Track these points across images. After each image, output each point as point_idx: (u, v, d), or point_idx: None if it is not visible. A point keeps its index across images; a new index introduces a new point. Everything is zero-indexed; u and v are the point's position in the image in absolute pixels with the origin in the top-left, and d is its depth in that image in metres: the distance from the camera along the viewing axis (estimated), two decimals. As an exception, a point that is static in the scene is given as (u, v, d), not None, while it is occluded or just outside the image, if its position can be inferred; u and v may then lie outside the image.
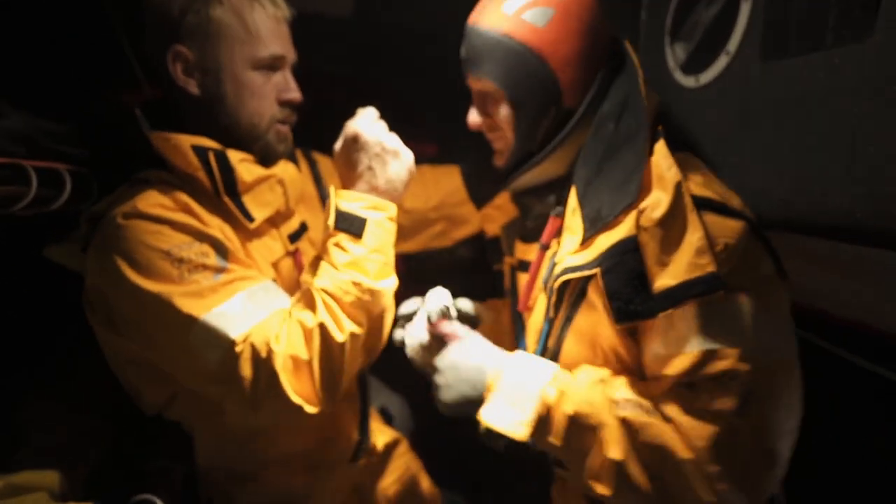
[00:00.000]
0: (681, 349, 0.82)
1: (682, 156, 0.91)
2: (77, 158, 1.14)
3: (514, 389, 0.93)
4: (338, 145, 1.12)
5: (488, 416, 0.93)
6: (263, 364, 0.96)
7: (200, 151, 1.05)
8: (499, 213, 1.32)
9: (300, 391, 0.98)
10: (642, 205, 0.85)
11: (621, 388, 0.89)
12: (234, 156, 1.08)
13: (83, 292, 1.05)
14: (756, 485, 0.81)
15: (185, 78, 1.08)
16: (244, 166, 1.09)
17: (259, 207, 1.12)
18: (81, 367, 1.21)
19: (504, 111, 1.02)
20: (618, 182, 0.91)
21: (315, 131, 1.30)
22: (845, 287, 1.05)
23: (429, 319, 1.11)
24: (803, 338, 0.94)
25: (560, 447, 0.89)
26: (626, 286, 0.85)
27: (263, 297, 1.02)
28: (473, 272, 1.70)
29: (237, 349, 0.96)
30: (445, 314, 1.12)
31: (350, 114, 1.17)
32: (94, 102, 1.42)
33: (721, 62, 1.01)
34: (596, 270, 0.89)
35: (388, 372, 1.74)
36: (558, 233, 1.02)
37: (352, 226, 1.03)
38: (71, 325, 1.13)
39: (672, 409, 0.83)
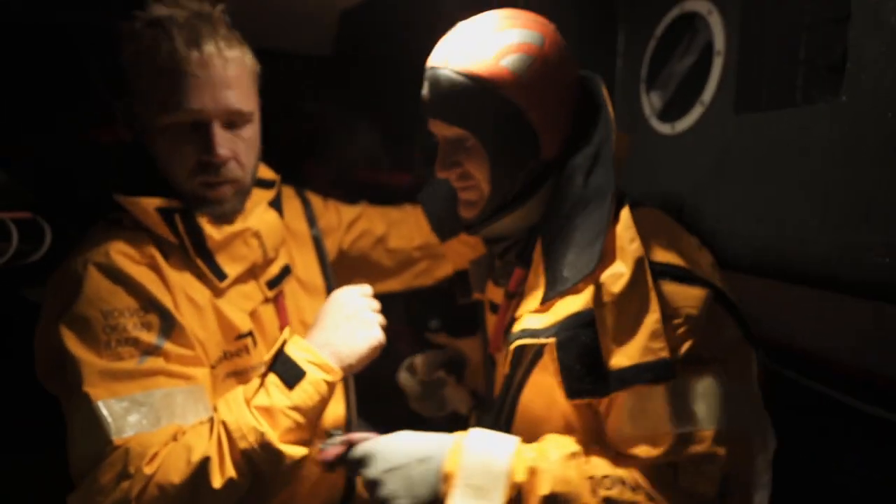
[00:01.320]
0: (653, 430, 0.80)
1: (648, 212, 0.91)
2: (47, 206, 1.12)
3: (475, 474, 0.82)
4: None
5: None
6: (123, 485, 0.86)
7: (166, 213, 1.01)
8: (465, 248, 1.22)
9: None
10: (603, 276, 0.81)
11: (600, 465, 0.83)
12: (203, 215, 1.05)
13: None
14: None
15: (125, 128, 1.05)
16: (212, 225, 1.05)
17: (232, 264, 1.08)
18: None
19: (479, 162, 0.92)
20: (581, 245, 0.87)
21: (297, 166, 1.28)
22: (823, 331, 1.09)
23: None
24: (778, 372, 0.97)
25: None
26: (579, 362, 0.82)
27: (178, 403, 0.94)
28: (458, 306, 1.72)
29: (108, 450, 0.87)
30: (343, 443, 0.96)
31: (333, 149, 1.13)
32: (56, 137, 1.41)
33: (696, 112, 1.05)
34: (551, 340, 0.85)
35: (372, 409, 1.73)
36: (523, 282, 0.98)
37: (287, 373, 0.95)
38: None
39: (654, 489, 0.80)
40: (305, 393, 0.95)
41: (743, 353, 0.83)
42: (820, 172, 0.82)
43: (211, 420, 0.94)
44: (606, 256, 0.83)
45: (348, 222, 1.45)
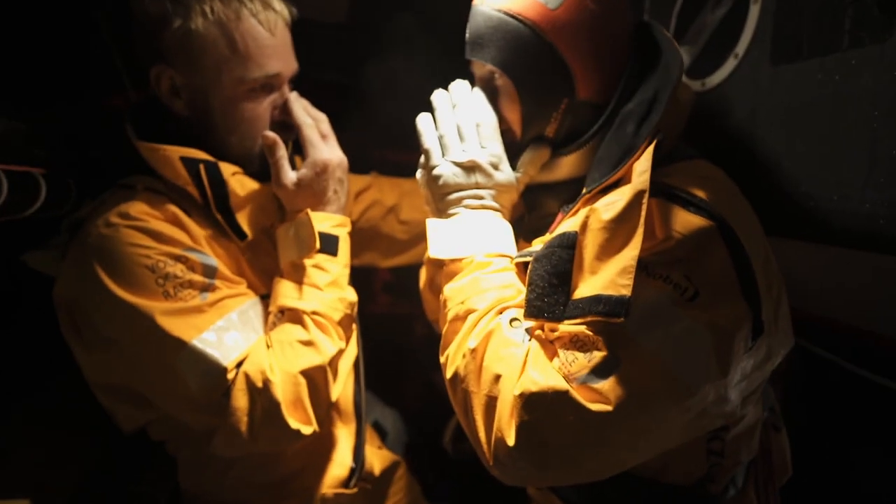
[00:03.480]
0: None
1: (704, 164, 0.85)
2: (54, 162, 1.09)
3: (469, 231, 0.90)
4: (304, 174, 1.06)
5: (433, 226, 0.92)
6: (260, 395, 0.92)
7: (190, 164, 1.00)
8: None
9: (296, 416, 0.96)
10: (598, 202, 0.79)
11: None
12: (227, 169, 1.03)
13: (56, 304, 0.99)
14: (563, 462, 0.73)
15: (170, 98, 1.02)
16: (237, 180, 1.04)
17: (252, 222, 1.07)
18: (60, 381, 1.17)
19: (509, 101, 0.92)
20: (598, 166, 0.86)
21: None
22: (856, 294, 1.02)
23: None
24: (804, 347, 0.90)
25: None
26: (546, 280, 0.79)
27: (253, 317, 1.00)
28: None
29: (229, 377, 0.92)
30: None
31: (344, 121, 1.14)
32: (79, 103, 1.39)
33: (728, 66, 0.99)
34: (527, 259, 0.84)
35: (382, 385, 1.70)
36: None
37: (329, 245, 1.06)
38: (50, 335, 1.09)
39: (534, 344, 0.78)
40: (344, 250, 1.09)
41: (724, 297, 0.73)
42: (865, 124, 0.75)
43: (284, 314, 1.02)
44: (618, 185, 0.80)
45: (356, 192, 1.41)
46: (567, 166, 0.94)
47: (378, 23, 2.00)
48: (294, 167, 1.22)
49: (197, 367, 0.91)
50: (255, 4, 0.98)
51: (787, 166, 0.87)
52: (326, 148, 1.08)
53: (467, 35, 0.94)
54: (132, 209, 0.96)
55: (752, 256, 0.74)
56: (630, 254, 0.71)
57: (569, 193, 0.96)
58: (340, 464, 1.22)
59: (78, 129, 1.28)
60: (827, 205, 0.81)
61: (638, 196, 0.73)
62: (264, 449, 1.02)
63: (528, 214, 1.05)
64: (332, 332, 1.01)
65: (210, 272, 0.97)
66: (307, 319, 0.99)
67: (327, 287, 1.03)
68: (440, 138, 0.94)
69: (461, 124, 0.93)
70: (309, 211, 1.05)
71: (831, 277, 0.90)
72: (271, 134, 1.04)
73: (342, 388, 1.24)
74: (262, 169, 1.08)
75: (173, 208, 1.00)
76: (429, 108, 0.98)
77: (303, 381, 0.96)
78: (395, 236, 1.45)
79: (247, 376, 0.93)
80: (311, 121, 1.08)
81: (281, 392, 0.93)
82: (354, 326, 1.10)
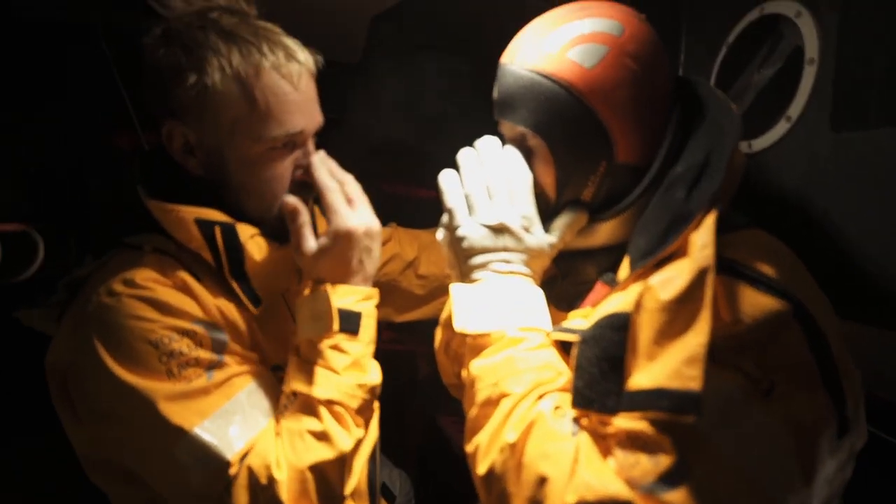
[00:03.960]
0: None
1: (762, 234, 0.79)
2: (51, 215, 1.02)
3: (499, 299, 0.82)
4: (325, 243, 0.95)
5: (457, 293, 0.84)
6: (264, 492, 0.83)
7: (206, 226, 0.92)
8: None
9: None
10: (652, 279, 0.71)
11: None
12: (245, 231, 0.95)
13: (47, 370, 0.92)
14: None
15: (183, 156, 0.94)
16: (255, 242, 0.96)
17: (268, 288, 1.00)
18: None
19: (543, 164, 0.87)
20: (648, 231, 0.79)
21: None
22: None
23: None
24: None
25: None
26: (595, 365, 0.72)
27: (263, 398, 0.91)
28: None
29: (231, 472, 0.83)
30: None
31: (354, 158, 1.06)
32: (79, 141, 1.32)
33: (780, 129, 0.93)
34: (575, 338, 0.76)
35: (384, 430, 1.63)
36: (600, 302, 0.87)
37: (349, 323, 0.94)
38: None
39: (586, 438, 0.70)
40: (367, 327, 0.96)
41: (803, 390, 0.65)
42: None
43: (295, 398, 0.91)
44: (672, 259, 0.72)
45: None
46: (606, 232, 0.88)
47: (393, 63, 1.98)
48: (316, 230, 1.15)
49: (198, 457, 0.83)
50: (278, 56, 0.89)
51: (853, 241, 0.80)
52: (353, 214, 0.97)
53: (495, 95, 0.89)
54: (138, 276, 0.88)
55: (832, 342, 0.67)
56: (696, 340, 0.64)
57: (607, 260, 0.90)
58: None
59: (78, 173, 1.22)
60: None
61: (701, 274, 0.66)
62: None
63: (562, 280, 0.98)
64: (348, 423, 0.89)
65: (219, 347, 0.89)
66: (321, 409, 0.89)
67: (346, 371, 0.92)
68: (466, 197, 0.87)
69: (490, 182, 0.87)
70: (329, 285, 0.95)
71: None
72: (292, 199, 0.96)
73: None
74: (281, 230, 1.00)
75: (183, 274, 0.92)
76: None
77: (311, 477, 0.86)
78: (412, 291, 1.38)
79: (250, 471, 0.84)
80: (336, 185, 0.98)
81: (286, 491, 0.84)
82: (376, 407, 0.98)
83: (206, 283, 0.94)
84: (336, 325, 0.92)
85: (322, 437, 0.87)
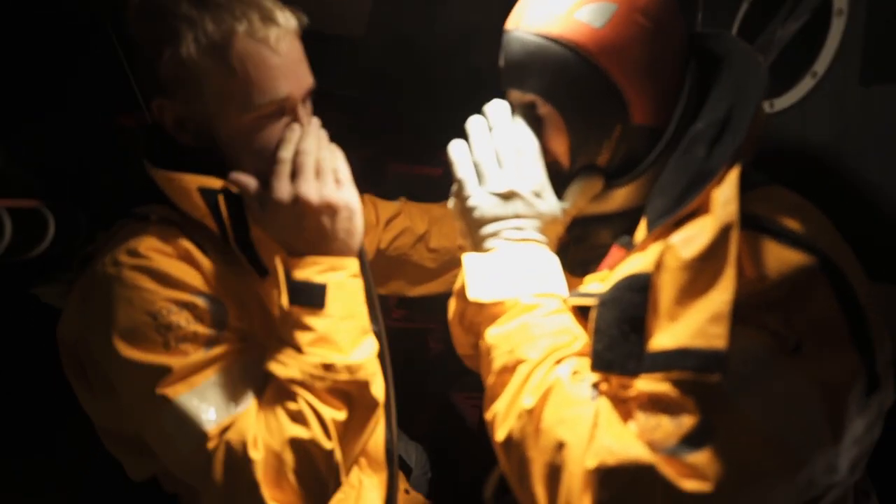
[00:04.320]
0: None
1: (784, 191, 0.76)
2: (62, 191, 1.02)
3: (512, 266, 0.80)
4: (266, 213, 0.91)
5: (470, 262, 0.82)
6: (240, 471, 0.82)
7: (209, 195, 0.91)
8: None
9: (281, 497, 0.84)
10: (674, 237, 0.70)
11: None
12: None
13: (59, 342, 0.93)
14: None
15: (176, 130, 0.92)
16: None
17: (272, 257, 0.97)
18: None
19: (555, 131, 0.84)
20: (666, 190, 0.77)
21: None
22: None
23: None
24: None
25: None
26: (615, 327, 0.71)
27: (252, 373, 0.88)
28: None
29: (209, 445, 0.82)
30: None
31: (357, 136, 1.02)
32: (88, 120, 1.32)
33: (805, 85, 0.89)
34: (594, 302, 0.75)
35: (396, 406, 1.64)
36: (617, 266, 0.85)
37: (311, 297, 0.87)
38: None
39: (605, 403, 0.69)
40: (340, 300, 0.88)
41: (832, 347, 0.63)
42: None
43: (270, 379, 0.87)
44: (693, 216, 0.70)
45: (386, 219, 1.34)
46: (622, 197, 0.85)
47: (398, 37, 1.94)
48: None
49: (180, 426, 0.82)
50: (254, 22, 0.85)
51: (885, 200, 0.77)
52: (308, 183, 0.89)
53: (502, 63, 0.86)
54: (142, 245, 0.87)
55: (862, 297, 0.64)
56: (721, 298, 0.62)
57: (623, 224, 0.87)
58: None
59: (86, 151, 1.21)
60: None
61: (725, 230, 0.64)
62: None
63: (575, 246, 0.96)
64: (317, 406, 0.85)
65: (219, 321, 0.88)
66: (294, 387, 0.85)
67: (309, 347, 0.86)
68: (476, 166, 0.85)
69: (499, 150, 0.84)
70: (281, 256, 0.91)
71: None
72: (235, 175, 0.91)
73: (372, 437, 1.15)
74: None
75: (187, 244, 0.91)
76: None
77: (288, 457, 0.83)
78: (424, 265, 1.37)
79: (228, 447, 0.82)
80: (289, 155, 0.91)
81: (262, 471, 0.82)
82: (374, 382, 0.91)
83: (211, 252, 0.93)
84: (285, 299, 0.87)
85: (296, 417, 0.84)
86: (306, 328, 0.86)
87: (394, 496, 1.15)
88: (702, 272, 0.64)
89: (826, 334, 0.63)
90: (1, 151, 0.93)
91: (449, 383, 2.66)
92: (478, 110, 1.02)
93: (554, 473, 0.67)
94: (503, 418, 0.75)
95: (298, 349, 0.86)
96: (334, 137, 1.02)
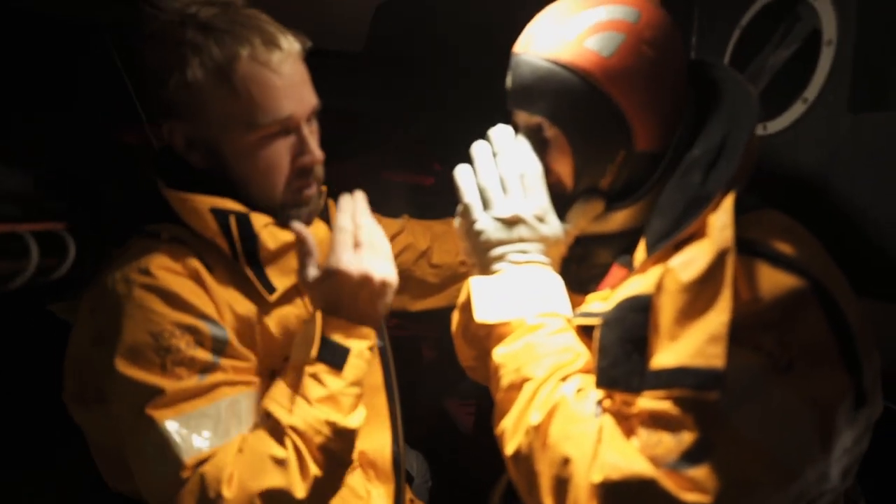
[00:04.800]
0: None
1: (777, 214, 0.78)
2: (79, 216, 1.03)
3: (517, 288, 0.82)
4: (317, 275, 0.94)
5: (477, 285, 0.84)
6: None
7: (221, 215, 0.93)
8: None
9: None
10: (673, 260, 0.72)
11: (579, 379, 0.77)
12: (259, 220, 0.96)
13: (65, 362, 0.95)
14: None
15: (186, 152, 0.95)
16: (268, 232, 0.97)
17: (282, 277, 1.00)
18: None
19: (560, 154, 0.86)
20: (665, 213, 0.79)
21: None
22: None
23: None
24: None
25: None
26: (618, 346, 0.73)
27: (243, 410, 0.90)
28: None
29: (183, 474, 0.82)
30: None
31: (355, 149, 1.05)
32: (102, 145, 1.33)
33: (796, 110, 0.92)
34: (599, 321, 0.77)
35: (419, 433, 1.65)
36: (618, 285, 0.88)
37: (334, 357, 0.90)
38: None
39: (609, 420, 0.71)
40: (355, 367, 0.92)
41: (822, 366, 0.65)
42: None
43: (268, 419, 0.88)
44: (691, 240, 0.73)
45: (390, 236, 1.35)
46: (622, 218, 0.87)
47: (396, 53, 1.96)
48: (327, 216, 1.15)
49: (159, 452, 0.83)
50: (256, 46, 0.89)
51: (872, 223, 0.81)
52: (351, 257, 0.93)
53: (509, 84, 0.87)
54: (152, 264, 0.89)
55: (850, 317, 0.67)
56: (718, 319, 0.64)
57: (622, 244, 0.90)
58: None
59: (95, 172, 1.22)
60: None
61: (721, 255, 0.66)
62: None
63: (577, 265, 0.97)
64: (305, 459, 0.86)
65: (219, 347, 0.89)
66: (287, 436, 0.86)
67: (318, 403, 0.88)
68: (481, 191, 0.87)
69: (504, 175, 0.87)
70: (322, 313, 0.93)
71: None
72: (297, 226, 0.96)
73: (378, 440, 1.17)
74: (290, 220, 1.00)
75: (196, 264, 0.93)
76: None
77: (261, 502, 0.83)
78: (426, 280, 1.39)
79: (202, 480, 0.82)
80: (350, 227, 0.96)
81: None
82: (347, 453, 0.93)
83: (220, 273, 0.95)
84: (315, 352, 0.89)
85: (281, 463, 0.85)
86: (321, 384, 0.89)
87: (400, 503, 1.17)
88: (700, 294, 0.67)
89: (817, 354, 0.65)
90: (25, 176, 0.93)
91: (442, 390, 2.67)
92: (469, 123, 1.05)
93: (561, 486, 0.69)
94: (512, 433, 0.76)
95: (307, 401, 0.88)
96: (329, 147, 1.06)
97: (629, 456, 0.66)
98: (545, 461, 0.71)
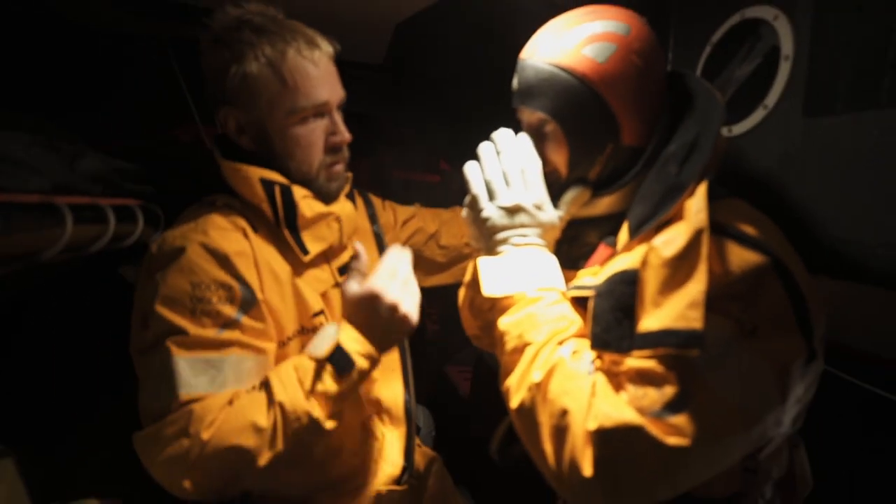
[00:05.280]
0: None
1: (741, 203, 0.81)
2: (146, 194, 1.06)
3: (519, 266, 0.84)
4: (353, 286, 0.97)
5: (484, 264, 0.86)
6: (185, 439, 0.83)
7: (268, 185, 0.98)
8: None
9: (199, 481, 0.85)
10: (656, 239, 0.74)
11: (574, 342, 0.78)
12: (298, 192, 1.00)
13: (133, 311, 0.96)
14: (638, 492, 0.67)
15: (237, 134, 1.00)
16: (306, 202, 1.01)
17: (315, 241, 1.04)
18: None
19: (557, 146, 0.88)
20: (647, 200, 0.81)
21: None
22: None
23: None
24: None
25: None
26: (610, 314, 0.75)
27: (244, 372, 0.90)
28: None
29: (173, 405, 0.84)
30: None
31: (371, 149, 1.08)
32: (159, 138, 1.35)
33: (757, 115, 0.94)
34: (592, 292, 0.80)
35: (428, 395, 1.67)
36: (604, 262, 0.91)
37: (341, 364, 0.91)
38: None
39: (601, 377, 0.72)
40: (353, 380, 0.93)
41: (781, 330, 0.68)
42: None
43: (265, 388, 0.89)
44: (670, 223, 0.75)
45: (403, 220, 1.40)
46: (606, 204, 0.90)
47: (410, 66, 1.97)
48: (353, 197, 1.18)
49: (163, 378, 0.85)
50: (300, 43, 0.96)
51: (821, 212, 0.83)
52: (388, 283, 0.96)
53: (515, 85, 0.89)
54: (207, 226, 0.93)
55: (805, 289, 0.70)
56: (696, 288, 0.66)
57: (608, 226, 0.92)
58: (393, 463, 1.18)
59: (157, 160, 1.24)
60: (865, 250, 0.76)
61: (697, 234, 0.69)
62: (158, 478, 0.88)
63: (568, 245, 0.99)
64: (279, 434, 0.86)
65: (246, 306, 0.91)
66: (272, 407, 0.87)
67: (311, 395, 0.89)
68: (487, 184, 0.89)
69: (507, 170, 0.89)
70: (346, 322, 0.96)
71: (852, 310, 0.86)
72: (359, 246, 1.03)
73: (392, 392, 1.19)
74: (323, 193, 1.05)
75: (244, 223, 0.97)
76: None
77: (226, 455, 0.84)
78: (435, 259, 1.42)
79: (189, 415, 0.84)
80: (396, 264, 0.99)
81: (200, 450, 0.83)
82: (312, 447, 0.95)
83: (263, 233, 0.99)
84: (327, 352, 0.91)
85: (259, 431, 0.85)
86: (320, 380, 0.89)
87: (411, 447, 1.20)
88: (680, 268, 0.69)
89: (777, 320, 0.68)
90: (102, 158, 0.96)
91: (444, 358, 2.70)
92: (472, 128, 1.07)
93: (560, 434, 0.71)
94: (516, 390, 0.78)
95: (303, 389, 0.88)
96: (352, 148, 1.09)
97: (619, 407, 0.68)
98: (546, 413, 0.73)
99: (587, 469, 0.66)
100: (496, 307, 0.86)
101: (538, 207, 0.88)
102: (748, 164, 0.96)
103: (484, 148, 0.92)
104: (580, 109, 0.83)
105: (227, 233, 0.94)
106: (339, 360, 0.91)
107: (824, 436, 1.00)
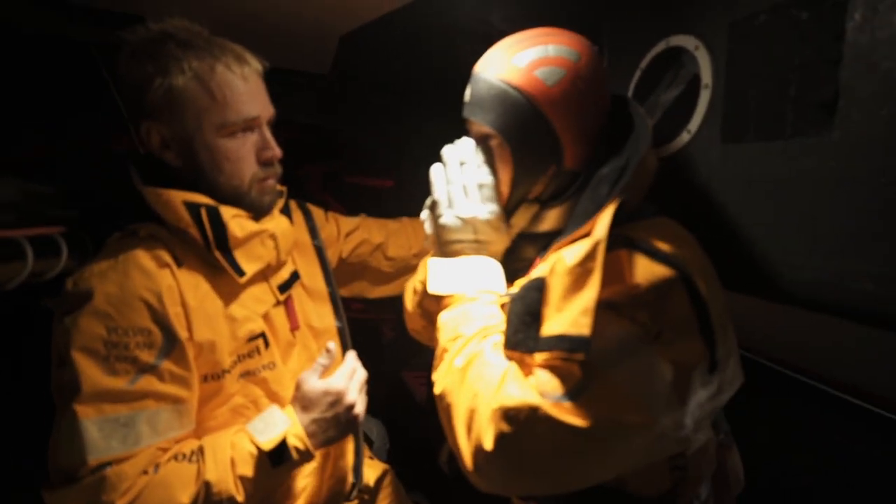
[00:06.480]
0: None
1: (667, 221, 0.85)
2: (69, 219, 1.00)
3: (468, 272, 0.90)
4: (315, 384, 1.00)
5: (433, 264, 0.93)
6: None
7: (193, 208, 0.94)
8: None
9: None
10: (564, 251, 0.79)
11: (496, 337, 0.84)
12: (227, 212, 0.97)
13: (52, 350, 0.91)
14: (536, 470, 0.72)
15: (161, 150, 0.97)
16: (236, 222, 0.98)
17: (250, 262, 1.01)
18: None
19: (502, 163, 0.91)
20: (571, 223, 0.87)
21: (287, 172, 1.21)
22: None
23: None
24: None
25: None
26: (519, 318, 0.80)
27: (160, 423, 0.88)
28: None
29: (82, 472, 0.82)
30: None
31: (319, 157, 1.08)
32: (85, 151, 1.29)
33: (683, 139, 1.00)
34: (507, 299, 0.86)
35: (379, 403, 1.67)
36: None
37: (278, 455, 0.92)
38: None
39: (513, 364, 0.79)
40: (285, 472, 0.96)
41: (683, 336, 0.73)
42: (808, 203, 0.77)
43: (198, 461, 0.87)
44: (585, 237, 0.80)
45: (346, 232, 1.39)
46: (551, 220, 0.93)
47: (356, 75, 1.97)
48: (288, 212, 1.16)
49: (69, 444, 0.82)
50: (229, 59, 0.95)
51: (736, 228, 0.89)
52: (349, 386, 1.03)
53: (467, 97, 0.92)
54: (129, 261, 0.90)
55: (710, 302, 0.75)
56: (589, 295, 0.71)
57: (546, 242, 0.95)
58: (341, 480, 1.18)
59: (85, 178, 1.19)
60: (773, 269, 0.82)
61: (595, 245, 0.73)
62: None
63: (507, 258, 1.03)
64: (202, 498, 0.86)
65: (166, 349, 0.88)
66: (198, 483, 0.86)
67: (239, 479, 0.89)
68: (447, 192, 0.94)
69: (467, 183, 0.93)
70: (295, 416, 0.98)
71: (773, 326, 0.93)
72: (332, 346, 1.06)
73: None
74: (254, 209, 1.03)
75: (168, 257, 0.93)
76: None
77: None
78: (381, 270, 1.42)
79: (100, 483, 0.81)
80: (355, 366, 1.08)
81: None
82: None
83: (190, 264, 0.95)
84: (269, 445, 0.92)
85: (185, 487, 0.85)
86: (254, 470, 0.90)
87: (360, 462, 1.20)
88: (579, 276, 0.73)
89: (680, 327, 0.73)
90: (19, 185, 0.91)
91: (400, 364, 2.70)
92: (421, 137, 1.09)
93: (470, 414, 0.76)
94: (442, 377, 0.84)
95: (234, 471, 0.89)
96: (301, 157, 1.09)
97: (524, 389, 0.73)
98: (461, 395, 0.79)
99: (488, 443, 0.71)
100: (439, 304, 0.93)
101: (490, 222, 0.93)
102: (675, 186, 1.01)
103: (448, 154, 0.96)
104: (526, 129, 0.86)
105: (147, 272, 0.89)
106: (277, 452, 0.92)
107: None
